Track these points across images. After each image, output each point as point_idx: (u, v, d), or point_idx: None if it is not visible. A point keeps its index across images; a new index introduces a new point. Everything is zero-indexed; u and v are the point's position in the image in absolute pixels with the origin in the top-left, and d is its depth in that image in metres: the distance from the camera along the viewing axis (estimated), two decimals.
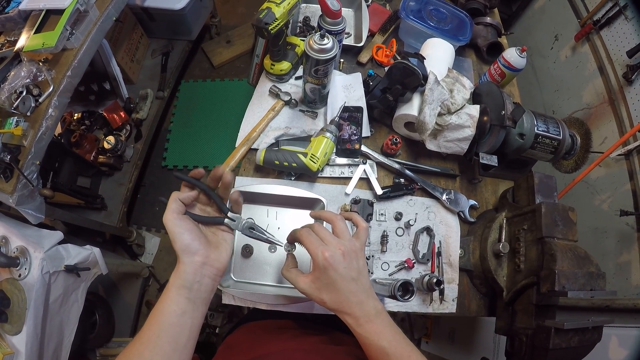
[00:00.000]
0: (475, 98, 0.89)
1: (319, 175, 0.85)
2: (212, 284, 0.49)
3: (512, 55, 0.92)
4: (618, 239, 1.20)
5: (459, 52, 1.04)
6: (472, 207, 0.87)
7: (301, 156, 0.79)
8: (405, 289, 0.63)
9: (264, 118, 0.88)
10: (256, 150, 0.84)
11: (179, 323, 0.45)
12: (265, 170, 0.85)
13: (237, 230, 0.54)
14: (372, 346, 0.47)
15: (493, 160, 0.83)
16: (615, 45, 1.32)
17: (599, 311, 0.76)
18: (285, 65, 0.90)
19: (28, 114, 1.00)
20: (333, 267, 0.48)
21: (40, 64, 1.03)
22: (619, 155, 1.20)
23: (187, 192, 0.51)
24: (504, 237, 0.77)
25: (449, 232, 0.84)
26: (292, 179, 0.85)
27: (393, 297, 0.64)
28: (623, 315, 0.87)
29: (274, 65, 0.90)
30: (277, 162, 0.79)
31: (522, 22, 1.90)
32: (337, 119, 0.82)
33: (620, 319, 0.86)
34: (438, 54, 0.93)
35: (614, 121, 1.28)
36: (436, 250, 0.83)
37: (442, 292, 0.80)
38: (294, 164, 0.79)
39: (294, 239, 0.55)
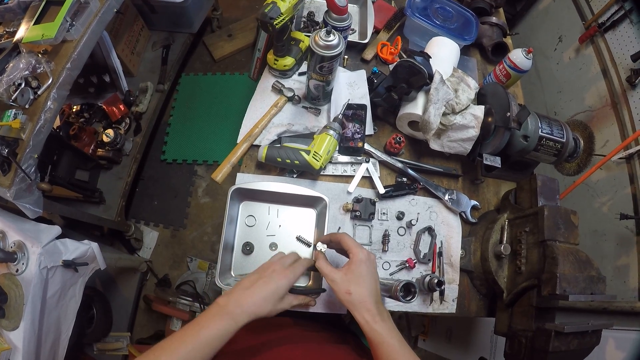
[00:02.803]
0: (480, 98, 0.89)
1: (321, 173, 0.85)
2: None
3: (518, 56, 0.91)
4: (617, 242, 1.20)
5: (464, 51, 1.03)
6: (473, 208, 0.87)
7: (304, 153, 0.78)
8: (407, 290, 0.63)
9: (267, 114, 0.87)
10: (258, 146, 0.84)
11: (217, 346, 0.50)
12: (267, 167, 0.84)
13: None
14: (385, 343, 0.50)
15: (496, 162, 0.83)
16: (619, 49, 1.31)
17: (597, 313, 0.76)
18: (289, 61, 0.89)
19: (26, 106, 0.98)
20: (368, 263, 0.57)
21: (40, 55, 1.01)
22: (620, 158, 1.20)
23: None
24: (505, 238, 0.77)
25: (450, 232, 0.84)
26: (294, 176, 0.84)
27: (395, 297, 0.64)
28: (620, 318, 0.88)
29: (277, 60, 0.89)
30: (279, 159, 0.79)
31: (526, 23, 1.88)
32: (340, 116, 0.81)
33: (618, 321, 0.87)
34: (443, 53, 0.92)
35: (616, 124, 1.28)
36: (437, 250, 0.82)
37: (442, 293, 0.80)
38: (297, 162, 0.78)
39: (330, 240, 0.63)
